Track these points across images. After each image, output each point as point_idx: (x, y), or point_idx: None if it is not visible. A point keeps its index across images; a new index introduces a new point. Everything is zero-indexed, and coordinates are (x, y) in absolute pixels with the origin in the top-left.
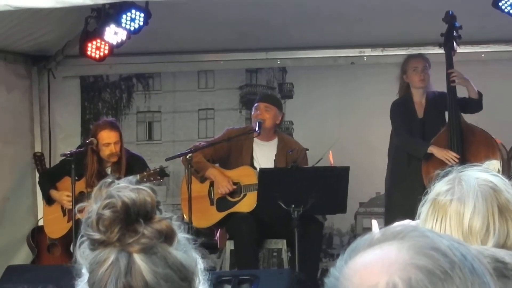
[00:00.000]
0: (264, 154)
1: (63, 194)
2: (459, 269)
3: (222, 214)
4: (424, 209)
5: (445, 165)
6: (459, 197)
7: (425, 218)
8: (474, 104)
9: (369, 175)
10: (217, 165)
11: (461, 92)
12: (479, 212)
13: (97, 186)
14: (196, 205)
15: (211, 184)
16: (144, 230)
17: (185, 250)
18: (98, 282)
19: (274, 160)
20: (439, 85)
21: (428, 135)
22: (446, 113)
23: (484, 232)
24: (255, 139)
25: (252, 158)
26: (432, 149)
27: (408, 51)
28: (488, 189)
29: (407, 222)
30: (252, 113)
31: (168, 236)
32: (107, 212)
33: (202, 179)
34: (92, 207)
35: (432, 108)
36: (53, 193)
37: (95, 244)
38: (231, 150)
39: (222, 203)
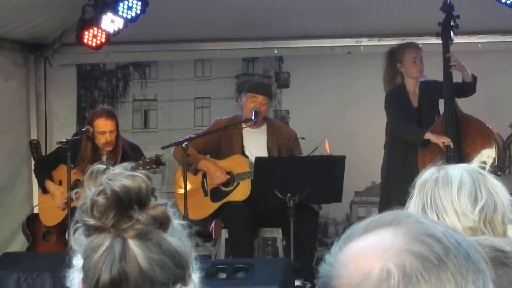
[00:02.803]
0: (255, 141)
1: (58, 190)
2: (453, 255)
3: (217, 204)
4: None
5: (442, 154)
6: (445, 173)
7: (415, 200)
8: (468, 88)
9: (365, 165)
10: (208, 156)
11: (455, 78)
12: (465, 183)
13: (88, 172)
14: (190, 197)
15: (204, 176)
16: (139, 216)
17: (180, 237)
18: (93, 268)
19: (267, 146)
20: (435, 75)
21: (424, 124)
22: (440, 101)
23: (473, 199)
24: (244, 127)
25: (242, 146)
26: (428, 135)
27: (405, 41)
28: (474, 170)
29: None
30: (243, 100)
31: (163, 222)
32: (101, 198)
33: (195, 171)
34: (87, 193)
35: (426, 96)
36: (49, 184)
37: (90, 230)
38: (221, 140)
39: (216, 194)
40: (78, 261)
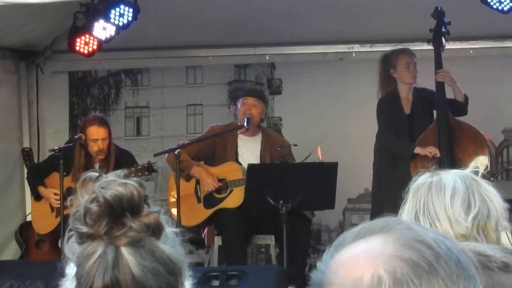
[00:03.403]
0: (249, 150)
1: (51, 192)
2: (444, 261)
3: (210, 211)
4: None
5: (433, 160)
6: (438, 179)
7: (408, 206)
8: (460, 108)
9: (358, 171)
10: (202, 162)
11: (448, 94)
12: (459, 190)
13: (81, 180)
14: (183, 203)
15: (197, 182)
16: (132, 223)
17: (172, 245)
18: (86, 276)
19: (260, 155)
20: (427, 81)
21: (416, 131)
22: (434, 111)
23: (467, 206)
24: (239, 135)
25: (237, 153)
26: (418, 150)
27: (397, 47)
28: (467, 176)
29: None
30: (238, 107)
31: (155, 230)
32: (94, 206)
33: (188, 178)
34: (80, 201)
35: (419, 104)
36: (41, 189)
37: (83, 238)
38: (215, 147)
39: (209, 200)
40: (70, 269)
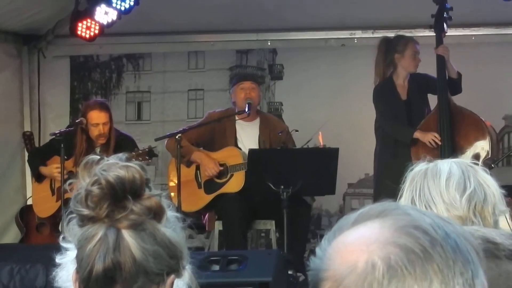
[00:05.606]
0: (248, 134)
1: (53, 168)
2: (440, 247)
3: (210, 196)
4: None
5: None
6: (434, 165)
7: (405, 194)
8: (454, 85)
9: (358, 156)
10: (201, 148)
11: None
12: (454, 174)
13: (82, 163)
14: (184, 189)
15: (197, 168)
16: (133, 206)
17: (174, 228)
18: (86, 258)
19: (259, 140)
20: (428, 68)
21: (413, 117)
22: (429, 95)
23: (462, 189)
24: (238, 120)
25: (236, 139)
26: (417, 135)
27: (399, 33)
28: (463, 163)
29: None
30: (235, 93)
31: (157, 213)
32: (96, 188)
33: (188, 163)
34: (81, 184)
35: (414, 89)
36: (43, 169)
37: (84, 220)
38: (214, 133)
39: (209, 185)
40: (66, 258)
